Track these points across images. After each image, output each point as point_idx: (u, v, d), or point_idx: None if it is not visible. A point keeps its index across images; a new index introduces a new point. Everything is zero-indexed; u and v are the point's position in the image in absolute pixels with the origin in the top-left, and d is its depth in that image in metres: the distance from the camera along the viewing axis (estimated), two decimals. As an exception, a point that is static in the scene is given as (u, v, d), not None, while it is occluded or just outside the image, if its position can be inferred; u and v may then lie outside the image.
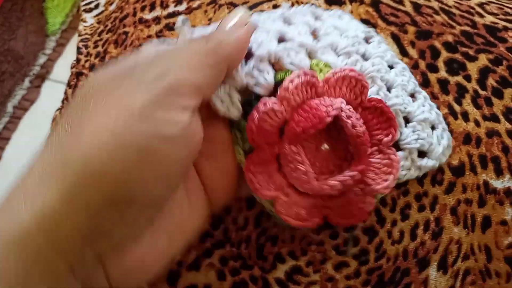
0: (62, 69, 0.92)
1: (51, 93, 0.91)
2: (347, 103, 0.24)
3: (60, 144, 0.19)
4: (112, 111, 0.19)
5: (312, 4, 0.29)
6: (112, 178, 0.18)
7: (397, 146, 0.26)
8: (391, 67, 0.27)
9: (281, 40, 0.26)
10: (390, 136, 0.24)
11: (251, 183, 0.24)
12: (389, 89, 0.26)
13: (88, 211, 0.18)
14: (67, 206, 0.18)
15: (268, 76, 0.24)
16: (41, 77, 0.93)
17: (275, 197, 0.24)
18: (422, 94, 0.28)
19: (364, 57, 0.27)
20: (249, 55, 0.25)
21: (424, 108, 0.27)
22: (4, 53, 0.95)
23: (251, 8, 0.32)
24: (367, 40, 0.28)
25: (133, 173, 0.19)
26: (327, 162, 0.24)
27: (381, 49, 0.27)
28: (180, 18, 0.26)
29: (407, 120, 0.26)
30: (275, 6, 0.32)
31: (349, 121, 0.23)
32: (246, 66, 0.25)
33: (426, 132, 0.26)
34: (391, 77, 0.27)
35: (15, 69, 0.94)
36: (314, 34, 0.27)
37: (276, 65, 0.25)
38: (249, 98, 0.25)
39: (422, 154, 0.26)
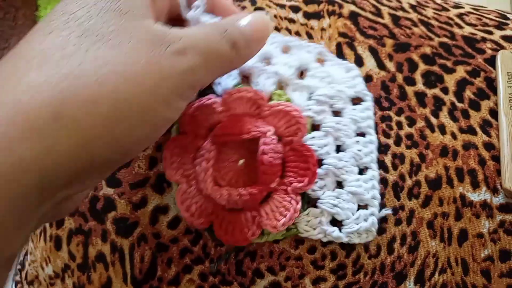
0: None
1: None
2: (279, 137, 0.26)
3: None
4: None
5: (322, 46, 0.30)
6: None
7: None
8: (362, 134, 0.28)
9: (265, 59, 0.28)
10: (301, 184, 0.25)
11: (165, 160, 0.26)
12: (340, 150, 0.27)
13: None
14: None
15: (230, 83, 0.27)
16: (34, 86, 0.93)
17: (179, 181, 0.26)
18: (373, 173, 0.27)
19: (340, 114, 0.28)
20: None
21: (363, 184, 0.27)
22: (-3, 62, 0.95)
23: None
24: (354, 101, 0.29)
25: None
26: (239, 177, 0.26)
27: (362, 114, 0.28)
28: None
29: (339, 185, 0.27)
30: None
31: (263, 146, 0.25)
32: None
33: (349, 204, 0.26)
34: (348, 142, 0.27)
35: (8, 78, 0.94)
36: (302, 72, 0.29)
37: (244, 79, 0.28)
38: (207, 91, 0.27)
39: (337, 223, 0.27)
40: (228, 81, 0.28)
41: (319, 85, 0.28)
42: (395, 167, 0.28)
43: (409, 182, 0.27)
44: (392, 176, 0.28)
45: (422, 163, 0.28)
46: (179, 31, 0.20)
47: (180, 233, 0.27)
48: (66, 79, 0.17)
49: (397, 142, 0.28)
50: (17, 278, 0.39)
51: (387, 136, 0.28)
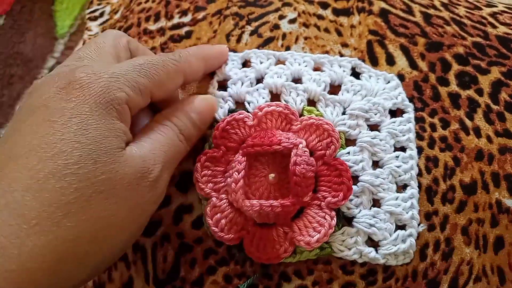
0: (70, 73, 0.92)
1: (59, 97, 0.91)
2: (311, 150, 0.26)
3: None
4: None
5: (356, 59, 0.30)
6: None
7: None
8: (402, 148, 0.27)
9: (295, 80, 0.29)
10: (335, 199, 0.25)
11: (195, 173, 0.26)
12: (378, 167, 0.26)
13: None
14: None
15: (261, 101, 0.28)
16: (49, 81, 0.93)
17: (209, 196, 0.26)
18: (412, 191, 0.26)
19: (378, 128, 0.27)
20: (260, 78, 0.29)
21: (402, 203, 0.25)
22: (13, 56, 0.95)
23: (256, 19, 0.32)
24: (396, 112, 0.28)
25: None
26: (270, 192, 0.25)
27: (402, 127, 0.27)
28: None
29: (377, 204, 0.26)
30: (281, 17, 0.31)
31: (294, 157, 0.24)
32: (252, 86, 0.28)
33: (386, 224, 0.25)
34: (386, 158, 0.26)
35: (24, 72, 0.94)
36: (334, 86, 0.29)
37: (275, 97, 0.28)
38: (239, 109, 0.28)
39: (373, 242, 0.26)
40: (259, 100, 0.28)
41: (353, 99, 0.28)
42: (428, 171, 0.27)
43: (443, 186, 0.27)
44: (425, 180, 0.27)
45: (456, 167, 0.27)
46: (151, 149, 0.23)
47: (205, 233, 0.27)
48: None
49: (431, 145, 0.27)
50: None
51: (421, 138, 0.27)
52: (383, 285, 0.26)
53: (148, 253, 0.27)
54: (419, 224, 0.26)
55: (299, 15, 0.31)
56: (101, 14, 0.40)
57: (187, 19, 0.32)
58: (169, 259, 0.27)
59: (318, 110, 0.27)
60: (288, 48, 0.30)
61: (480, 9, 0.33)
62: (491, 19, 0.33)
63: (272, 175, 0.25)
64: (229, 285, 0.27)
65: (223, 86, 0.29)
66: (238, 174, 0.25)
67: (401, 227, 0.26)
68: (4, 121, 0.88)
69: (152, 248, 0.27)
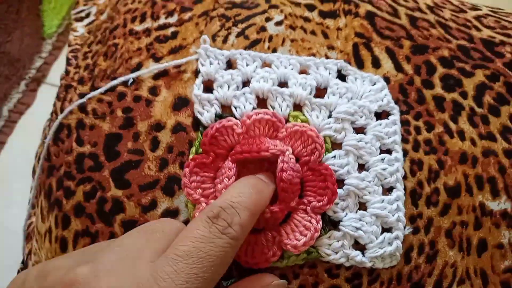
0: (58, 73, 0.91)
1: (47, 97, 0.90)
2: (296, 157, 0.26)
3: None
4: None
5: (342, 61, 0.29)
6: None
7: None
8: (388, 151, 0.27)
9: (282, 83, 0.29)
10: (320, 203, 0.25)
11: (184, 178, 0.26)
12: (364, 170, 0.26)
13: None
14: None
15: (248, 106, 0.28)
16: (37, 81, 0.92)
17: (198, 202, 0.26)
18: (398, 193, 0.26)
19: (364, 131, 0.27)
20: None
21: (388, 206, 0.26)
22: (-1, 55, 0.94)
23: (243, 21, 0.31)
24: (381, 115, 0.28)
25: None
26: None
27: (387, 129, 0.27)
28: None
29: (363, 207, 0.26)
30: (268, 19, 0.31)
31: (281, 164, 0.25)
32: (239, 90, 0.28)
33: (372, 227, 0.25)
34: (371, 161, 0.26)
35: (10, 72, 0.93)
36: (320, 89, 0.29)
37: (261, 101, 0.28)
38: (226, 114, 0.28)
39: (361, 246, 0.26)
40: (246, 105, 0.28)
41: (339, 102, 0.28)
42: (413, 174, 0.27)
43: (427, 189, 0.27)
44: (410, 183, 0.27)
45: (440, 170, 0.27)
46: None
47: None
48: None
49: (416, 148, 0.27)
50: None
51: (405, 141, 0.27)
52: (368, 287, 0.26)
53: (133, 257, 0.27)
54: (405, 227, 0.26)
55: (285, 17, 0.31)
56: (87, 15, 0.39)
57: (173, 19, 0.32)
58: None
59: (304, 115, 0.28)
60: (274, 50, 0.30)
61: (465, 12, 0.34)
62: (475, 22, 0.33)
63: None
64: (215, 288, 0.27)
65: (206, 88, 0.29)
66: (229, 180, 0.25)
67: (388, 229, 0.26)
68: (-10, 121, 0.87)
69: (137, 252, 0.27)
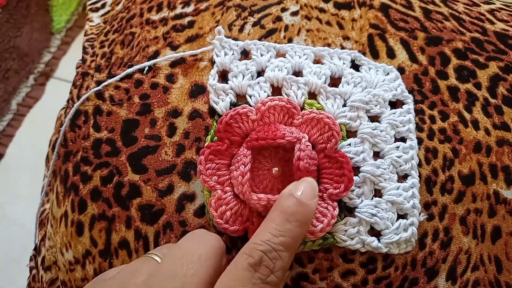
0: (67, 67, 0.92)
1: (56, 91, 0.91)
2: (312, 144, 0.26)
3: None
4: None
5: (356, 51, 0.30)
6: None
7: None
8: (403, 139, 0.27)
9: (296, 73, 0.29)
10: (337, 190, 0.25)
11: (199, 165, 0.26)
12: (379, 157, 0.27)
13: None
14: None
15: (263, 94, 0.28)
16: (46, 75, 0.93)
17: (213, 188, 0.26)
18: (413, 180, 0.26)
19: (378, 119, 0.28)
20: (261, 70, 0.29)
21: (403, 192, 0.26)
22: (9, 50, 0.95)
23: (259, 11, 0.32)
24: (395, 104, 0.28)
25: None
26: (273, 184, 0.26)
27: (401, 118, 0.27)
28: None
29: (378, 194, 0.26)
30: (284, 9, 0.32)
31: (298, 152, 0.25)
32: (253, 79, 0.29)
33: (388, 214, 0.26)
34: (386, 148, 0.27)
35: (19, 67, 0.94)
36: (334, 78, 0.29)
37: (276, 90, 0.29)
38: (241, 103, 0.28)
39: (376, 232, 0.26)
40: (260, 93, 0.28)
41: (353, 91, 0.28)
42: (428, 162, 0.27)
43: (442, 177, 0.27)
44: (425, 171, 0.27)
45: (455, 158, 0.27)
46: None
47: (207, 222, 0.27)
48: None
49: (430, 136, 0.28)
50: (32, 264, 0.38)
51: (420, 130, 0.28)
52: (382, 273, 0.26)
53: (150, 241, 0.27)
54: (420, 214, 0.26)
55: (301, 7, 0.32)
56: (103, 5, 0.40)
57: (189, 9, 0.33)
58: (170, 247, 0.27)
59: (319, 103, 0.28)
60: (290, 40, 0.30)
61: (479, 5, 0.34)
62: (489, 16, 0.33)
63: (276, 168, 0.26)
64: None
65: (222, 76, 0.29)
66: (245, 167, 0.25)
67: (403, 216, 0.26)
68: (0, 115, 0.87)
69: (154, 236, 0.27)
